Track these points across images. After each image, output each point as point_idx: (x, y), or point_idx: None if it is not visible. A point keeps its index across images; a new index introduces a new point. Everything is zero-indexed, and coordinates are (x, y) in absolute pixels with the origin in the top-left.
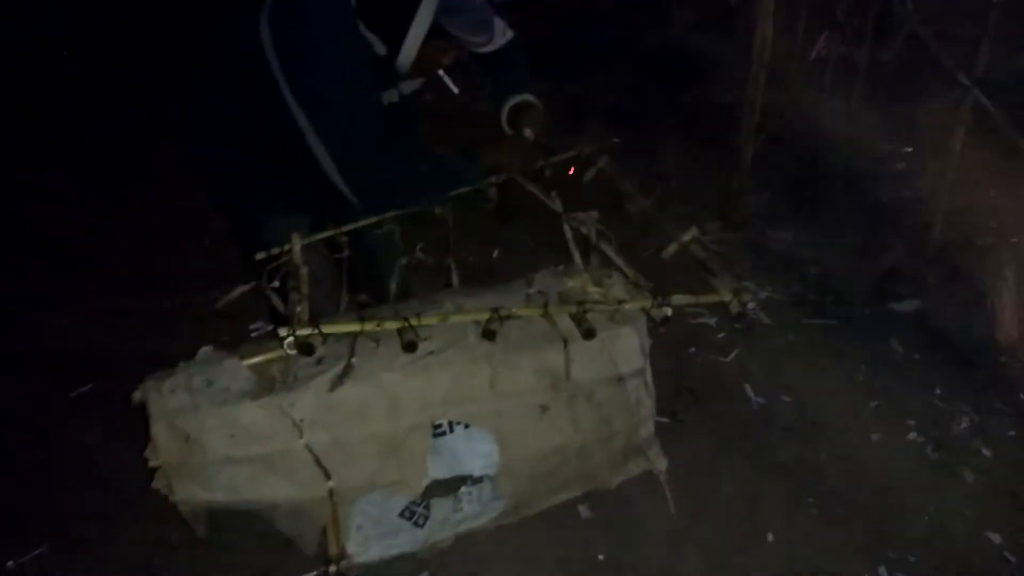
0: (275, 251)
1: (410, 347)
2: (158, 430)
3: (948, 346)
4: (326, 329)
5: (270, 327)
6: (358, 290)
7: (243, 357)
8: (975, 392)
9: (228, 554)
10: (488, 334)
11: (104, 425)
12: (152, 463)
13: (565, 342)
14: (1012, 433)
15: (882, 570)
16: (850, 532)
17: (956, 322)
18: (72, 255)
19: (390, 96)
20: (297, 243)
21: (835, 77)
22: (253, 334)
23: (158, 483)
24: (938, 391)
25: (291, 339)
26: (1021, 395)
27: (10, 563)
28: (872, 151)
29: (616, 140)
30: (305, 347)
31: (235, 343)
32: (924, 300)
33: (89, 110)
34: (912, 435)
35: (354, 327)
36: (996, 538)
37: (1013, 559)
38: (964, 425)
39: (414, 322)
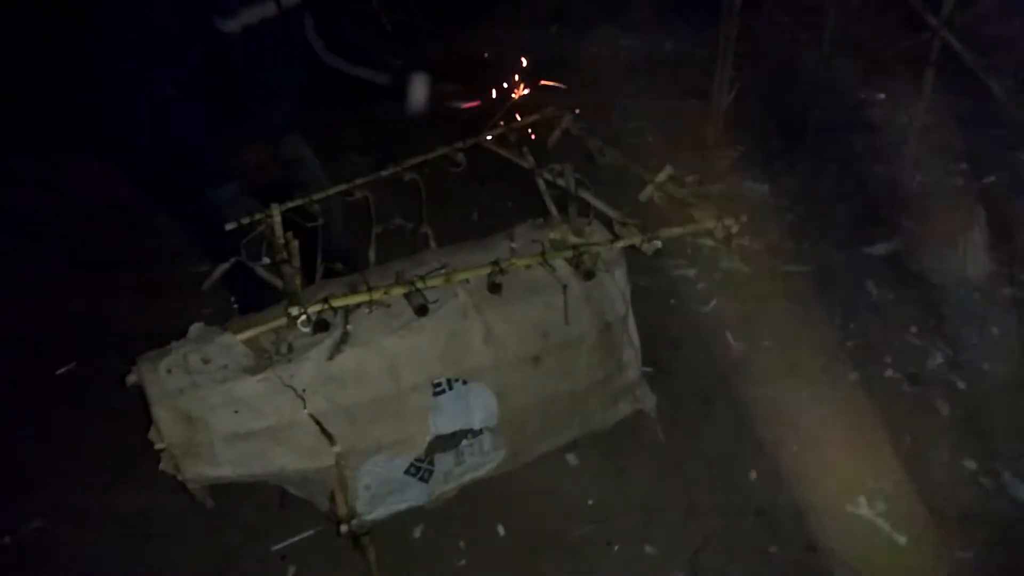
0: (246, 221)
1: (421, 311)
2: (160, 412)
3: (922, 286)
4: (336, 303)
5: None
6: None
7: (235, 332)
8: (949, 328)
9: (224, 518)
10: (493, 287)
11: (91, 400)
12: (157, 446)
13: (564, 288)
14: (985, 366)
15: (861, 500)
16: (831, 467)
17: (929, 262)
18: (38, 234)
19: (264, 10)
20: (276, 213)
21: (806, 26)
22: (236, 305)
23: (165, 464)
24: (913, 329)
25: (304, 317)
26: (993, 330)
27: (6, 538)
28: (845, 98)
29: (577, 111)
30: (320, 324)
31: (218, 316)
32: (898, 242)
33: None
34: (889, 372)
35: (363, 297)
36: (971, 465)
37: (988, 484)
38: (939, 360)
39: (420, 285)
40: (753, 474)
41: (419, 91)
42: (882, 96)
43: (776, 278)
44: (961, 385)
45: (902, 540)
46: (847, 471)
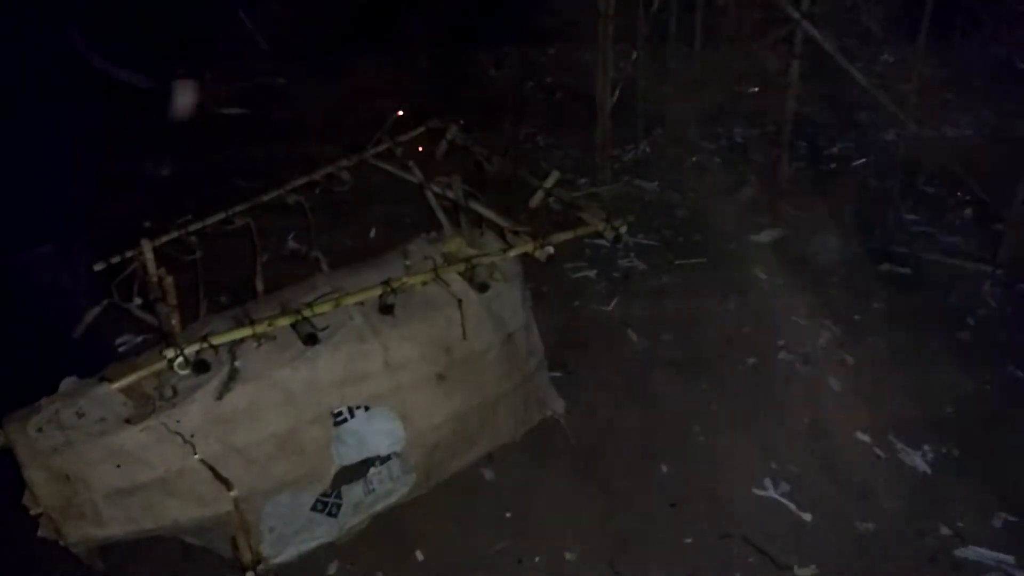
0: (116, 260)
1: (310, 340)
2: (33, 474)
3: (805, 269)
4: (216, 340)
5: (138, 340)
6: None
7: (112, 380)
8: (833, 308)
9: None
10: (385, 308)
11: None
12: (33, 511)
13: (460, 302)
14: (870, 339)
15: (767, 482)
16: (736, 453)
17: (810, 246)
18: None
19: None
20: (148, 250)
21: (677, 25)
22: (120, 349)
23: (44, 530)
24: (801, 311)
25: (181, 359)
26: (874, 304)
27: None
28: (721, 93)
29: (461, 121)
30: (200, 365)
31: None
32: (781, 229)
33: None
34: (783, 354)
35: (245, 331)
36: (865, 438)
37: (883, 454)
38: (827, 339)
39: (307, 313)
40: (664, 467)
41: (183, 97)
42: (755, 88)
43: (672, 272)
44: (850, 360)
45: (807, 518)
46: (752, 455)
